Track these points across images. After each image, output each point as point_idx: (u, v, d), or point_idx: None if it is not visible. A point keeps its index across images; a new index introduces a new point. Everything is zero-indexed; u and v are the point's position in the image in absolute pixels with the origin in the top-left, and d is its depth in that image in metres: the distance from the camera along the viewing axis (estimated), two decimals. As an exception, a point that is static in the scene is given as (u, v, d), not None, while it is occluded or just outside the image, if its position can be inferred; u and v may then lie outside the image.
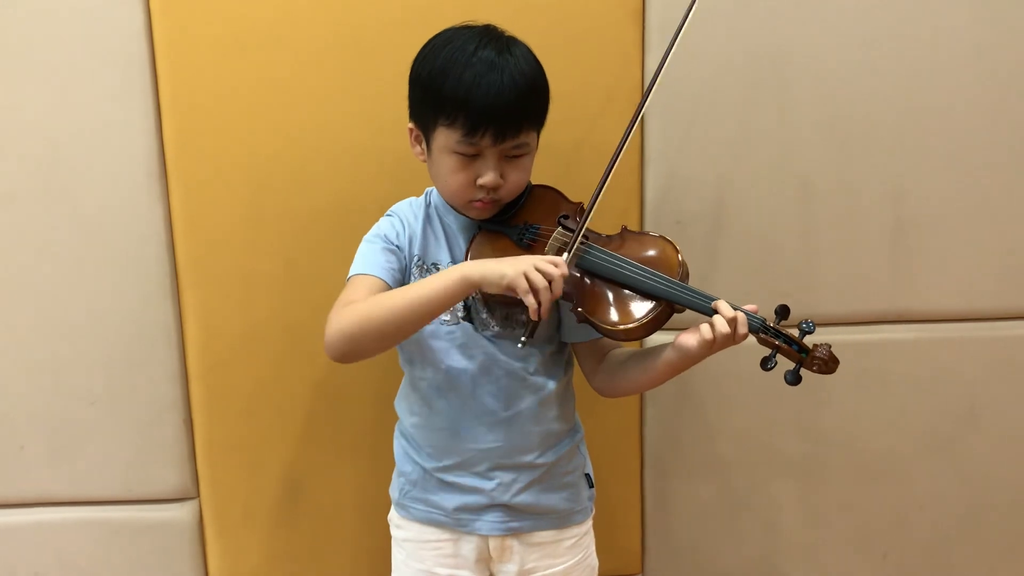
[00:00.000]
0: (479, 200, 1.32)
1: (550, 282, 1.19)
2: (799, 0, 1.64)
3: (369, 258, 1.36)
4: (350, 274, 1.36)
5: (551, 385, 1.40)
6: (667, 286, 1.26)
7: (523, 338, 1.27)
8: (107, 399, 1.71)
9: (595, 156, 1.59)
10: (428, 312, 1.24)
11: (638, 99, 1.65)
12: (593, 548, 1.52)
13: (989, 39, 1.66)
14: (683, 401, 1.77)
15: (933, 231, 1.72)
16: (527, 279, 1.19)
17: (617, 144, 1.33)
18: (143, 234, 1.65)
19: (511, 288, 1.19)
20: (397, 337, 1.29)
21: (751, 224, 1.71)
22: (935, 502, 1.83)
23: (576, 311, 1.28)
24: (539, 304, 1.19)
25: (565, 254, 1.26)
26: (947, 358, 1.77)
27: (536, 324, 1.25)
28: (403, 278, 1.38)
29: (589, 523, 1.50)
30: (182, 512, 1.75)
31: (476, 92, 1.23)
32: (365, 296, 1.29)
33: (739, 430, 1.79)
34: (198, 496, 1.75)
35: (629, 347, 1.45)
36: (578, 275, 1.31)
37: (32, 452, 1.72)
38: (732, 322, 1.22)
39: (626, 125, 1.35)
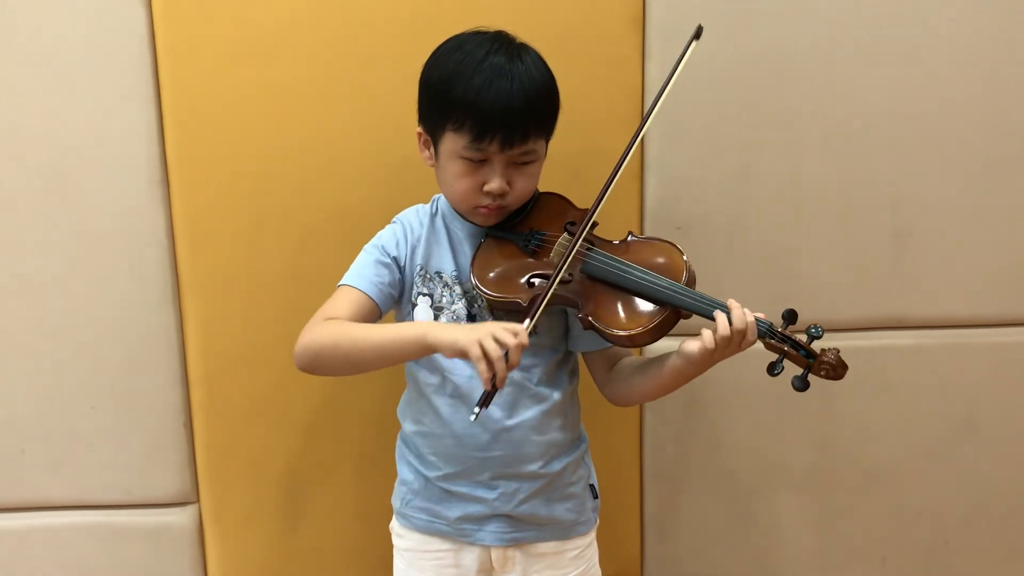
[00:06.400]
0: (485, 206, 1.32)
1: (507, 352, 1.14)
2: (800, 5, 1.64)
3: (361, 270, 1.37)
4: (341, 281, 1.37)
5: (555, 395, 1.39)
6: (671, 291, 1.26)
7: (476, 409, 1.18)
8: (108, 403, 1.70)
9: (597, 163, 1.58)
10: (386, 357, 1.27)
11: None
12: (596, 560, 1.51)
13: (989, 44, 1.67)
14: (683, 410, 1.77)
15: (933, 237, 1.72)
16: (481, 347, 1.14)
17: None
18: (145, 239, 1.65)
19: (463, 354, 1.16)
20: (358, 368, 1.31)
21: (751, 230, 1.71)
22: (934, 508, 1.83)
23: (581, 317, 1.28)
24: (494, 374, 1.14)
25: (527, 320, 1.21)
26: (947, 364, 1.77)
27: (492, 394, 1.18)
28: (396, 292, 1.39)
29: (593, 534, 1.49)
30: (182, 517, 1.75)
31: (484, 97, 1.24)
32: (347, 311, 1.32)
33: (738, 438, 1.79)
34: (198, 501, 1.75)
35: (637, 355, 1.45)
36: (585, 282, 1.30)
37: (33, 456, 1.72)
38: (739, 333, 1.22)
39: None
